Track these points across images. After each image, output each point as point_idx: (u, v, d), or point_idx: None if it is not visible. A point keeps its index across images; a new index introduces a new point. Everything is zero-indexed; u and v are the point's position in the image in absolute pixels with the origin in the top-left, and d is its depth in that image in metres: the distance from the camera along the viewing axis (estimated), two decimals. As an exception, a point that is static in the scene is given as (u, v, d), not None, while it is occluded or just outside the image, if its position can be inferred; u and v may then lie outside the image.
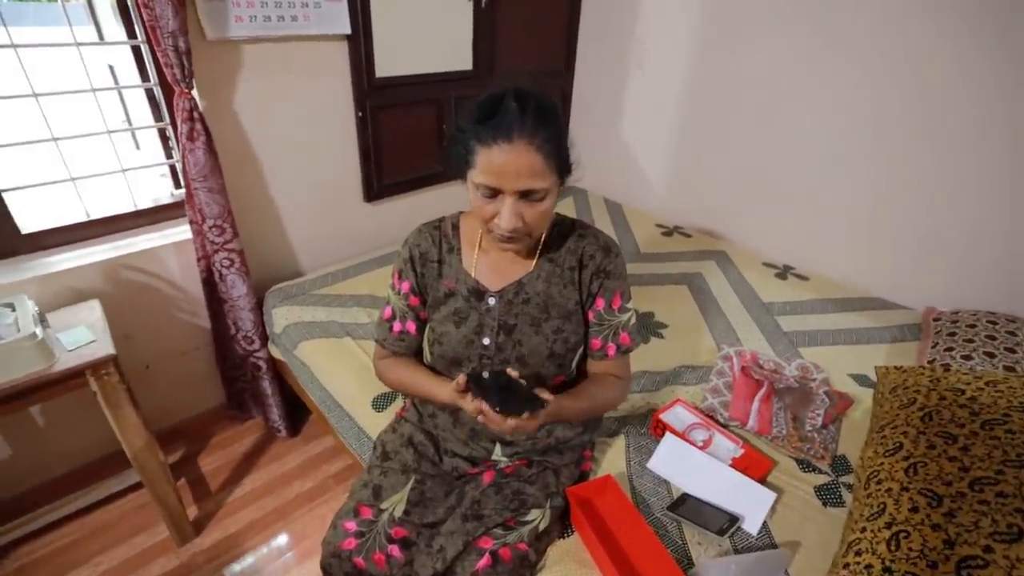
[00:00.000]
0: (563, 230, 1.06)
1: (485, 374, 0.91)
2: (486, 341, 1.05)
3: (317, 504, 1.79)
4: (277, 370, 1.86)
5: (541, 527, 1.03)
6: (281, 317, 1.72)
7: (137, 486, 1.72)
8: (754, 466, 1.21)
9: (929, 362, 1.50)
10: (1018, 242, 1.63)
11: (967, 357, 1.42)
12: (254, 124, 1.72)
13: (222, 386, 1.95)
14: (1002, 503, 0.82)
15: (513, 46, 2.29)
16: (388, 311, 1.13)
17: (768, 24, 1.94)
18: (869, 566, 0.85)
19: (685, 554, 1.06)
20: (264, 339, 1.81)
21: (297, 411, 2.00)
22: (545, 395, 0.90)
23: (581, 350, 1.10)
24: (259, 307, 1.81)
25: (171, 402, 1.92)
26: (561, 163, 0.89)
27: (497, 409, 0.86)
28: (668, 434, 1.26)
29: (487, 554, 0.97)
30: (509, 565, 0.97)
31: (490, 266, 1.06)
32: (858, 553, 0.88)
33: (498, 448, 1.15)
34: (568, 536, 1.10)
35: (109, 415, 1.36)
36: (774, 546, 1.07)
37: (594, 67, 2.57)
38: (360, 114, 1.94)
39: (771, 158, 2.09)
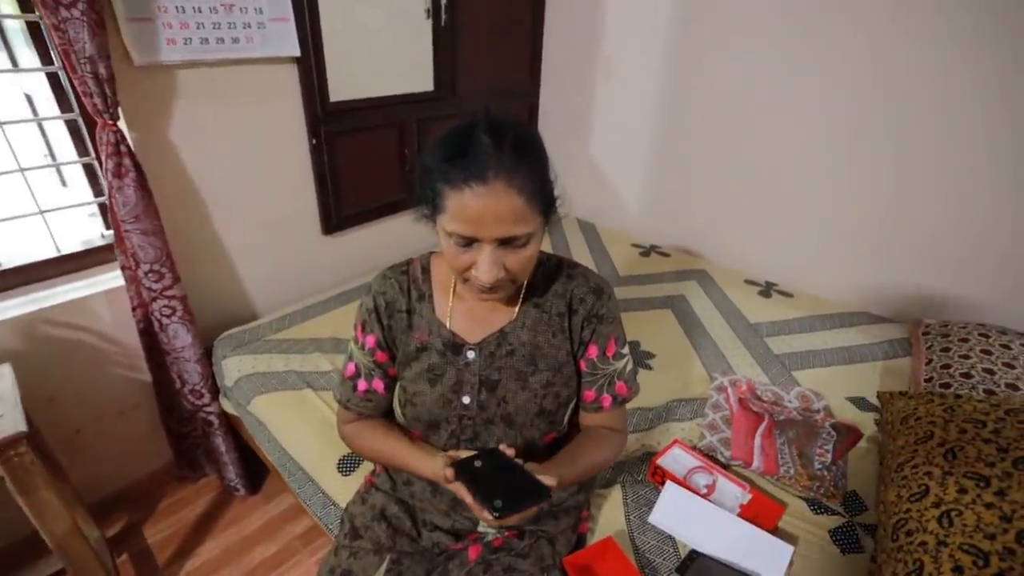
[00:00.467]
0: (549, 271, 0.94)
1: (477, 463, 0.78)
2: (466, 400, 0.92)
3: (284, 571, 1.60)
4: (231, 424, 1.68)
5: (537, 610, 0.90)
6: (233, 368, 1.54)
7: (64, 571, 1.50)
8: (765, 513, 1.11)
9: (927, 380, 1.44)
10: (1004, 249, 1.60)
11: (967, 375, 1.37)
12: (194, 157, 1.55)
13: (169, 444, 1.75)
14: (1056, 560, 0.73)
15: (476, 63, 2.19)
16: (351, 368, 0.98)
17: (741, 34, 1.89)
18: (914, 639, 0.74)
19: (701, 626, 0.94)
20: (215, 392, 1.63)
21: (256, 466, 1.81)
22: (548, 480, 0.77)
23: (573, 403, 0.98)
24: (208, 357, 1.63)
25: (109, 467, 1.70)
26: (545, 201, 0.77)
27: (496, 516, 0.71)
28: (669, 483, 1.15)
29: (479, 647, 0.83)
30: (503, 657, 0.84)
31: (467, 314, 0.93)
32: (898, 622, 0.78)
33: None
34: (568, 614, 0.96)
35: (22, 502, 1.15)
36: (797, 609, 0.96)
37: (560, 82, 2.49)
38: (314, 141, 1.79)
39: (748, 171, 2.04)
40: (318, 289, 1.97)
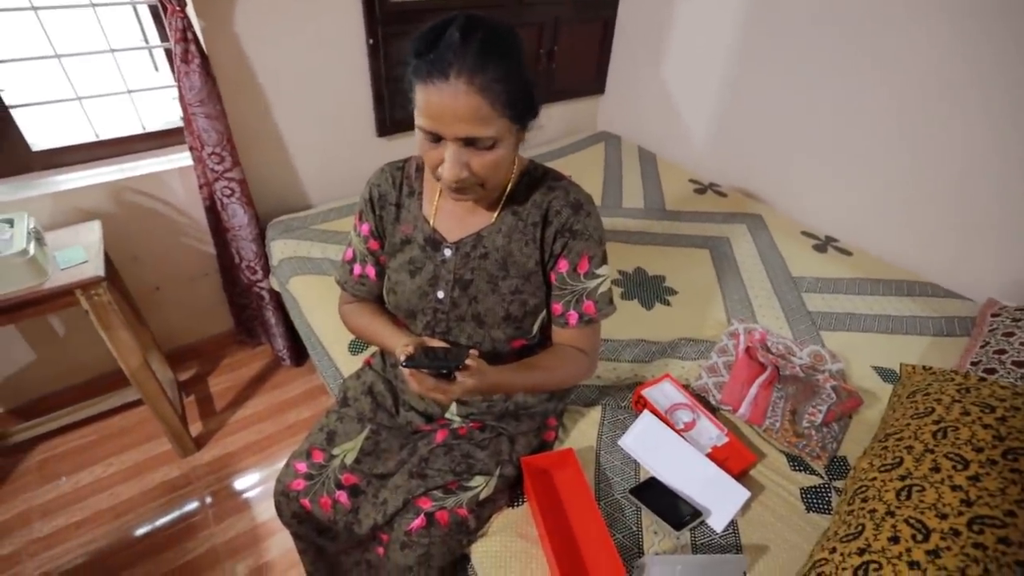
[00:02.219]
0: (533, 180, 0.94)
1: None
2: (440, 295, 0.97)
3: (312, 434, 1.84)
4: (280, 301, 1.88)
5: (483, 495, 0.98)
6: (278, 250, 1.71)
7: (147, 399, 1.82)
8: (735, 458, 1.10)
9: (973, 363, 1.30)
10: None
11: (1020, 364, 1.22)
12: (256, 48, 1.64)
13: (231, 312, 2.00)
14: (1003, 551, 0.69)
15: (549, -32, 2.05)
16: (349, 252, 1.07)
17: None
18: (829, 592, 0.75)
19: (637, 542, 0.99)
20: (266, 270, 1.81)
21: (300, 342, 2.02)
22: (470, 357, 0.81)
23: (544, 314, 1.00)
24: (262, 237, 1.81)
25: (183, 324, 1.99)
26: (516, 106, 0.76)
27: (405, 365, 0.78)
28: (646, 411, 1.17)
29: (422, 515, 0.94)
30: (444, 528, 0.94)
31: (450, 214, 0.96)
32: (819, 575, 0.78)
33: (453, 406, 1.09)
34: (518, 506, 1.05)
35: (103, 334, 1.40)
36: (738, 548, 0.98)
37: (642, -6, 2.28)
38: (372, 42, 1.81)
39: (824, 116, 1.82)
40: (368, 190, 2.07)
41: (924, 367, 1.14)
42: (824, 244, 1.85)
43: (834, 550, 0.81)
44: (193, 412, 1.88)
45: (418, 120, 0.76)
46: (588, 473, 1.10)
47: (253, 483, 1.67)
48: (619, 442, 1.16)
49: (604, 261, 0.96)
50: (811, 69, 1.81)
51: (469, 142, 0.75)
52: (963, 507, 0.75)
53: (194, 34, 1.43)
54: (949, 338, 1.48)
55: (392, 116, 1.99)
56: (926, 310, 1.57)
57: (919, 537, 0.74)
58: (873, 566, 0.73)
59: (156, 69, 2.12)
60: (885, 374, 1.35)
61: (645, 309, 1.53)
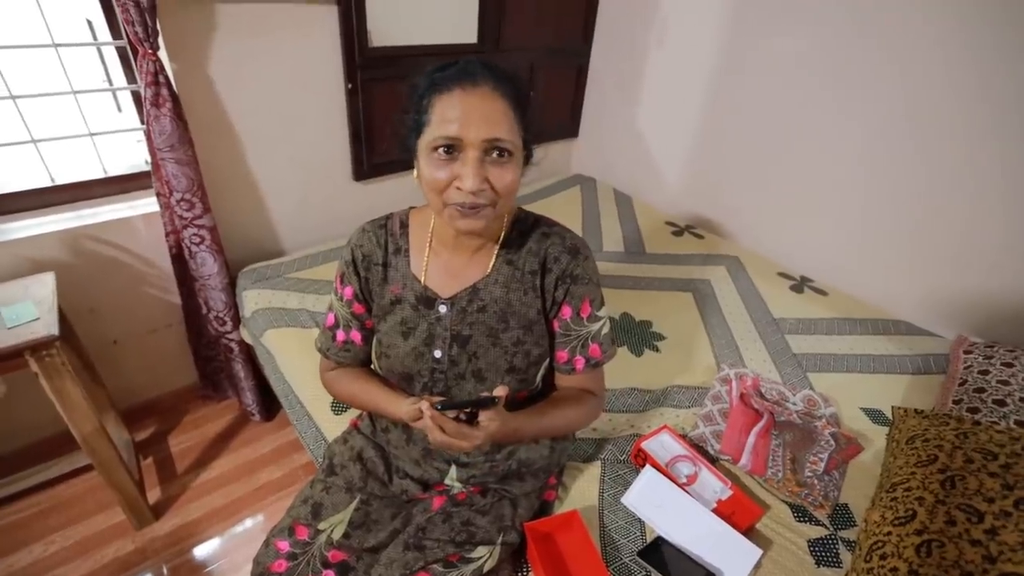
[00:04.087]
0: (525, 227, 0.92)
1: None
2: (438, 354, 0.93)
3: (285, 495, 1.71)
4: (251, 353, 1.77)
5: (487, 567, 0.92)
6: (251, 300, 1.62)
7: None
8: (741, 512, 1.08)
9: (955, 402, 1.33)
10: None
11: (1000, 403, 1.25)
12: (230, 91, 1.59)
13: (195, 365, 1.87)
14: (1031, 609, 0.67)
15: (524, 17, 2.11)
16: (331, 318, 1.01)
17: (803, 7, 1.73)
18: (859, 662, 0.71)
19: (650, 611, 0.94)
20: (236, 321, 1.72)
21: (271, 395, 1.91)
22: (497, 390, 0.78)
23: (547, 363, 0.97)
24: (233, 287, 1.71)
25: (142, 378, 1.85)
26: (527, 126, 0.79)
27: (439, 408, 0.76)
28: (648, 467, 1.13)
29: (422, 591, 0.87)
30: (446, 606, 0.87)
31: (441, 269, 0.92)
32: (848, 643, 0.75)
33: (453, 471, 1.03)
34: (522, 575, 0.99)
35: (53, 398, 1.27)
36: (753, 610, 0.94)
37: (614, 43, 2.36)
38: (350, 86, 1.80)
39: (796, 159, 1.90)
40: (344, 234, 2.01)
41: (916, 410, 1.15)
42: (800, 284, 1.89)
43: (860, 614, 0.78)
44: (151, 476, 1.73)
45: (436, 132, 0.74)
46: (593, 535, 1.05)
47: (220, 553, 1.53)
48: (622, 500, 1.11)
49: (603, 303, 0.96)
50: (781, 112, 1.90)
51: (489, 151, 0.75)
52: (987, 564, 0.74)
53: (166, 77, 1.38)
54: (926, 376, 1.52)
55: (370, 160, 1.96)
56: (902, 348, 1.61)
57: (948, 599, 0.72)
58: (906, 633, 0.71)
59: (119, 110, 2.04)
60: (874, 415, 1.36)
61: (635, 356, 1.51)
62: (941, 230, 1.64)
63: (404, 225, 0.95)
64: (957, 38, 1.48)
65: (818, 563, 1.02)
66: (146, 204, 1.61)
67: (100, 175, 1.60)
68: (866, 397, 1.42)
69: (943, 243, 1.65)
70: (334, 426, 1.26)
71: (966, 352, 1.51)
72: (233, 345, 1.74)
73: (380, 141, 1.95)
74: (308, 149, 1.83)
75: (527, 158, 0.84)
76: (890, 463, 1.06)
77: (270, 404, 1.92)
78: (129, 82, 1.58)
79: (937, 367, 1.55)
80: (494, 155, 0.75)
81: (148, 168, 1.65)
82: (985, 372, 1.38)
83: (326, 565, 0.93)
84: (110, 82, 1.96)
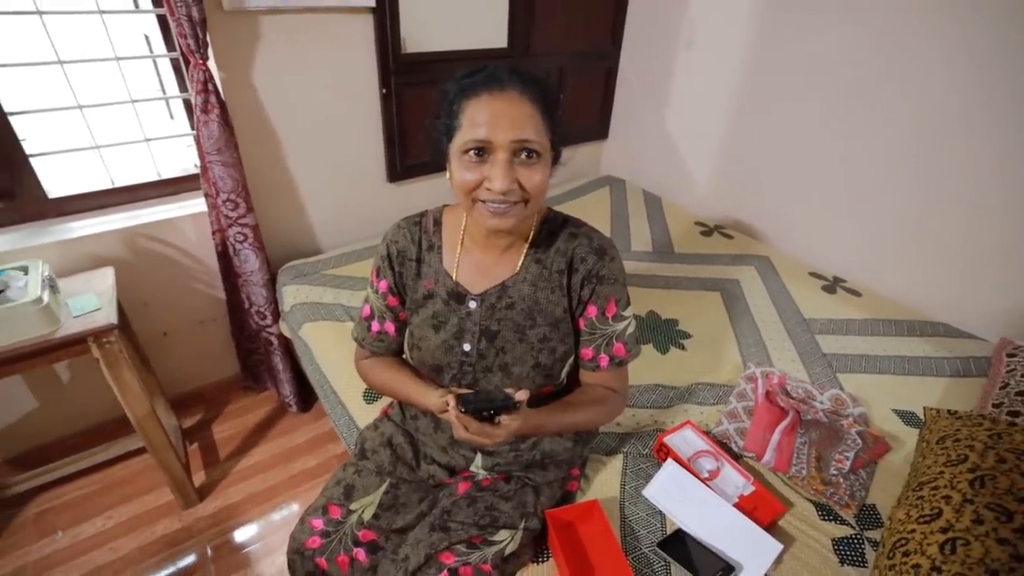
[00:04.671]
0: (553, 227, 0.96)
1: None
2: (467, 347, 0.97)
3: (319, 482, 1.78)
4: (289, 346, 1.86)
5: (508, 550, 0.95)
6: (290, 295, 1.70)
7: (149, 448, 1.77)
8: (763, 507, 1.08)
9: (995, 405, 1.29)
10: None
11: (1042, 405, 1.21)
12: (273, 98, 1.68)
13: (237, 357, 1.97)
14: (1056, 607, 0.66)
15: (553, 21, 2.14)
16: (367, 310, 1.06)
17: (831, 8, 1.71)
18: (877, 655, 0.71)
19: (668, 600, 0.95)
20: (276, 315, 1.80)
21: (308, 388, 2.00)
22: (518, 394, 0.82)
23: (572, 360, 1.00)
24: (273, 283, 1.80)
25: (189, 369, 1.96)
26: (555, 129, 0.83)
27: (462, 410, 0.80)
28: (670, 460, 1.14)
29: (445, 570, 0.91)
30: (468, 585, 0.90)
31: (473, 266, 0.96)
32: (866, 636, 0.75)
33: (478, 458, 1.07)
34: (543, 561, 1.01)
35: (111, 382, 1.37)
36: (773, 605, 0.94)
37: (642, 46, 2.38)
38: (384, 91, 1.87)
39: (827, 158, 1.87)
40: (378, 233, 2.09)
41: (949, 411, 1.13)
42: (833, 285, 1.86)
43: (879, 609, 0.78)
44: (196, 460, 1.83)
45: (466, 136, 0.79)
46: (613, 525, 1.07)
47: (257, 536, 1.61)
48: (643, 492, 1.13)
49: (629, 303, 0.98)
50: (814, 109, 1.87)
51: (518, 152, 0.78)
52: (1014, 563, 0.73)
53: (215, 85, 1.47)
54: (966, 379, 1.47)
55: (403, 163, 2.03)
56: (940, 350, 1.57)
57: (970, 595, 0.72)
58: (925, 627, 0.71)
59: (172, 117, 2.18)
60: (906, 417, 1.33)
61: (660, 353, 1.52)
62: (983, 230, 1.59)
63: (438, 223, 1.00)
64: (983, 39, 1.44)
65: (842, 562, 1.02)
66: (195, 205, 1.71)
67: (154, 178, 1.72)
68: (899, 399, 1.39)
69: (985, 244, 1.59)
70: (366, 414, 1.32)
71: (1009, 356, 1.46)
72: (273, 338, 1.83)
73: (413, 144, 2.02)
74: (345, 152, 1.92)
75: (555, 158, 0.87)
76: (919, 463, 1.04)
77: (306, 396, 2.00)
78: (181, 91, 1.69)
79: (978, 370, 1.50)
80: (523, 156, 0.79)
81: (197, 171, 1.77)
82: (1028, 375, 1.33)
83: (357, 543, 0.99)
84: (164, 92, 2.10)
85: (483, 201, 0.82)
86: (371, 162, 2.00)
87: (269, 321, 1.80)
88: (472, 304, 0.95)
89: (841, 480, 1.11)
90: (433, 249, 0.98)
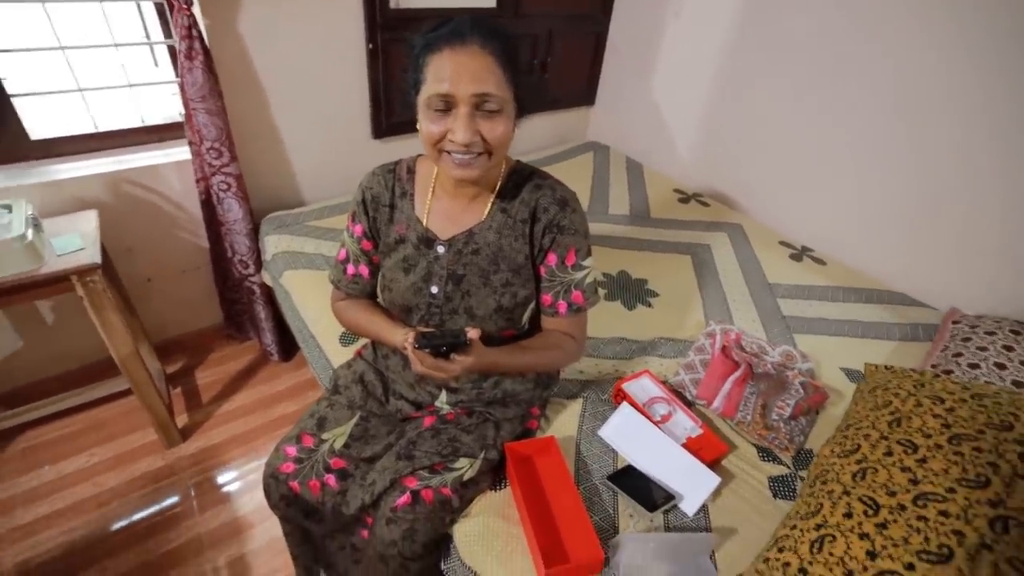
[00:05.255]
0: (520, 179, 1.00)
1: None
2: (434, 290, 1.02)
3: (299, 428, 1.86)
4: (271, 296, 1.91)
5: (467, 476, 1.03)
6: (272, 244, 1.74)
7: (133, 389, 1.82)
8: (708, 448, 1.16)
9: (933, 366, 1.38)
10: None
11: (974, 366, 1.30)
12: (259, 47, 1.69)
13: (220, 306, 2.02)
14: (941, 522, 0.75)
15: (544, -17, 2.14)
16: (343, 253, 1.11)
17: None
18: (787, 564, 0.80)
19: (613, 524, 1.04)
20: (259, 264, 1.84)
21: (290, 337, 2.05)
22: (470, 332, 0.88)
23: (533, 305, 1.06)
24: (256, 232, 1.84)
25: (173, 315, 2.00)
26: (518, 83, 0.85)
27: (416, 346, 0.85)
28: (624, 404, 1.22)
29: (408, 492, 0.98)
30: (429, 506, 0.98)
31: (443, 213, 1.01)
32: (781, 550, 0.84)
33: (443, 395, 1.14)
34: (500, 489, 1.09)
35: (96, 321, 1.42)
36: (708, 530, 1.03)
37: (631, 13, 2.38)
38: (371, 46, 1.88)
39: (804, 133, 1.91)
40: (361, 190, 2.12)
41: (886, 366, 1.21)
42: (800, 254, 1.93)
43: (795, 527, 0.86)
44: (179, 404, 1.89)
45: (430, 90, 0.82)
46: (568, 460, 1.15)
47: (238, 474, 1.69)
48: (599, 432, 1.21)
49: (589, 253, 1.03)
50: (794, 87, 1.91)
51: (479, 104, 0.82)
52: (910, 485, 0.81)
53: (199, 31, 1.48)
54: (913, 343, 1.56)
55: (388, 119, 2.04)
56: (894, 317, 1.65)
57: (870, 512, 0.80)
58: (828, 538, 0.79)
59: (156, 65, 2.16)
60: (852, 375, 1.42)
61: (627, 309, 1.59)
62: (941, 208, 1.65)
63: (411, 171, 1.05)
64: (949, 26, 1.48)
65: (775, 496, 1.11)
66: (179, 152, 1.73)
67: (138, 124, 1.73)
68: (848, 359, 1.48)
69: (942, 221, 1.66)
70: (341, 356, 1.38)
71: (955, 323, 1.55)
72: (255, 287, 1.88)
73: (398, 101, 2.04)
74: (330, 106, 1.93)
75: (521, 111, 0.90)
76: (851, 409, 1.12)
77: (288, 346, 2.06)
78: (166, 37, 1.69)
79: (925, 336, 1.59)
80: (485, 109, 0.82)
81: (181, 119, 1.78)
82: (967, 339, 1.42)
83: (328, 470, 1.06)
84: (148, 36, 2.09)
85: (448, 152, 0.86)
86: (356, 117, 2.02)
87: (252, 270, 1.84)
88: (440, 249, 1.01)
89: (782, 426, 1.20)
90: (406, 196, 1.03)
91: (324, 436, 1.10)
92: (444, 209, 1.02)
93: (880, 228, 1.82)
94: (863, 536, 0.77)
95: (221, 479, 1.67)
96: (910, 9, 1.58)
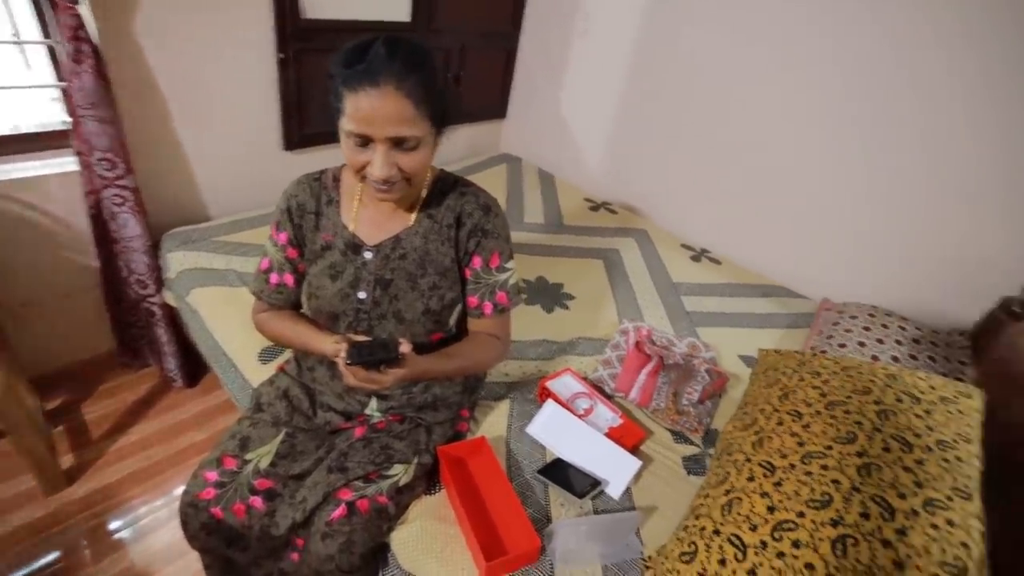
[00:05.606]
0: (445, 186, 1.04)
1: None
2: (362, 295, 1.03)
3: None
4: (173, 317, 1.78)
5: (402, 482, 1.03)
6: (176, 262, 1.63)
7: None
8: (628, 435, 1.25)
9: (812, 348, 1.58)
10: (907, 245, 1.73)
11: (842, 345, 1.51)
12: (159, 54, 1.59)
13: (113, 331, 1.84)
14: (822, 474, 0.87)
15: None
16: (265, 263, 1.09)
17: (717, 10, 1.95)
18: (703, 528, 0.89)
19: (547, 514, 1.09)
20: (159, 284, 1.71)
21: (195, 360, 1.92)
22: (403, 347, 0.89)
23: (460, 308, 1.09)
24: (156, 250, 1.71)
25: (53, 345, 1.80)
26: (435, 111, 0.86)
27: (349, 362, 0.85)
28: (549, 401, 1.28)
29: (343, 504, 0.97)
30: (365, 516, 0.97)
31: (369, 220, 1.03)
32: (697, 516, 0.93)
33: (373, 402, 1.13)
34: (435, 493, 1.11)
35: (-39, 352, 1.25)
36: (632, 510, 1.11)
37: (541, 30, 2.52)
38: (282, 56, 1.83)
39: (701, 144, 2.13)
40: (272, 202, 2.03)
41: (775, 350, 1.37)
42: (699, 255, 2.13)
43: (707, 495, 0.96)
44: (63, 444, 1.69)
45: (348, 126, 0.83)
46: (500, 459, 1.19)
47: (140, 513, 1.54)
48: (527, 429, 1.26)
49: (511, 256, 1.08)
50: (689, 102, 2.11)
51: (397, 143, 0.84)
52: (798, 447, 0.94)
53: (87, 33, 1.37)
54: (796, 330, 1.77)
55: (300, 131, 2.00)
56: (779, 308, 1.87)
57: (768, 474, 0.91)
58: (735, 500, 0.89)
59: (29, 67, 1.94)
60: (748, 361, 1.59)
61: (546, 312, 1.67)
62: (813, 211, 1.91)
63: (336, 179, 1.05)
64: (825, 41, 1.73)
65: (689, 473, 1.22)
66: (62, 163, 1.58)
67: (11, 131, 1.56)
68: (744, 347, 1.65)
69: (814, 221, 1.91)
70: (261, 374, 1.32)
71: (826, 310, 1.78)
72: (155, 309, 1.74)
73: (312, 112, 2.00)
74: (238, 117, 1.85)
75: (440, 129, 0.92)
76: (748, 389, 1.26)
77: (193, 370, 1.92)
78: (46, 37, 1.54)
79: (805, 323, 1.81)
80: (403, 147, 0.85)
81: (64, 127, 1.63)
82: (836, 324, 1.64)
83: (253, 492, 1.01)
84: (18, 37, 1.88)
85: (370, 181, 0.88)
86: (267, 128, 1.95)
87: (152, 290, 1.71)
88: (368, 255, 1.01)
89: (691, 410, 1.31)
90: (332, 203, 1.03)
91: (248, 456, 1.05)
92: (371, 216, 1.03)
93: (764, 230, 2.06)
94: (763, 495, 0.88)
95: (119, 522, 1.52)
96: (797, 22, 1.79)
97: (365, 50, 0.81)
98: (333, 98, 0.85)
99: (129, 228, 1.61)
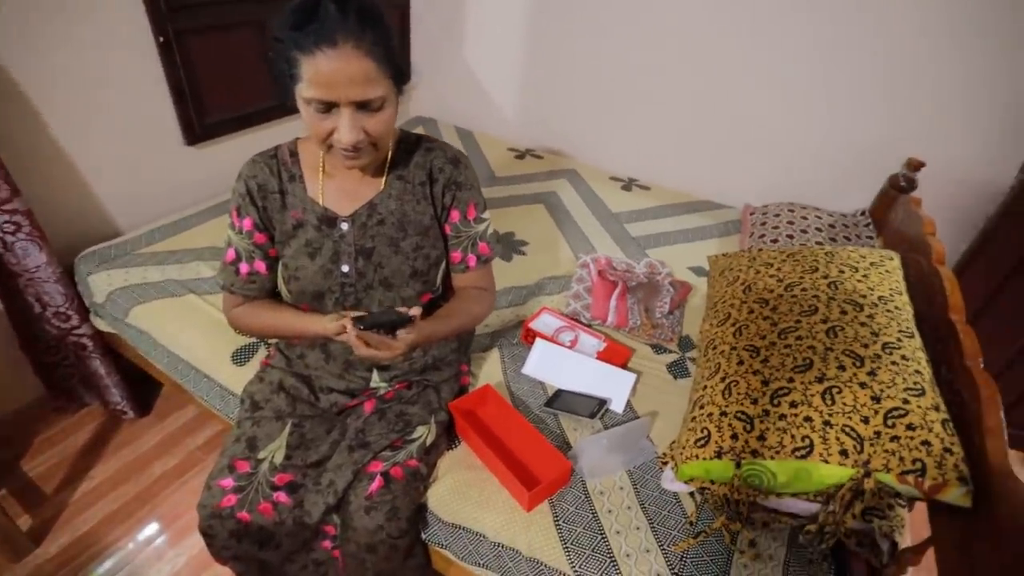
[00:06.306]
0: (409, 146, 1.03)
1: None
2: (345, 268, 1.01)
3: (187, 478, 1.64)
4: (109, 345, 1.62)
5: (428, 441, 1.06)
6: (102, 284, 1.48)
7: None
8: (616, 355, 1.34)
9: (748, 249, 1.75)
10: (809, 143, 1.94)
11: (774, 240, 1.69)
12: (17, 54, 1.37)
13: (37, 375, 1.65)
14: (799, 343, 1.00)
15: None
16: (231, 254, 1.02)
17: None
18: (710, 414, 1.00)
19: (564, 441, 1.16)
20: (84, 313, 1.55)
21: (143, 387, 1.77)
22: (412, 310, 0.90)
23: (444, 265, 1.10)
24: (70, 276, 1.53)
25: (-32, 404, 1.59)
26: (395, 68, 0.83)
27: (361, 327, 0.85)
28: (539, 339, 1.34)
29: (378, 476, 0.98)
30: (402, 482, 0.99)
31: (338, 190, 0.99)
32: (701, 407, 1.04)
33: (375, 375, 1.13)
34: (456, 447, 1.14)
35: None
36: (637, 418, 1.21)
37: (431, -16, 2.43)
38: (162, 39, 1.64)
39: (612, 75, 2.19)
40: (187, 203, 1.87)
41: (723, 254, 1.51)
42: (629, 184, 2.24)
43: (705, 387, 1.07)
44: (13, 507, 1.53)
45: (308, 92, 0.79)
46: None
47: (131, 551, 1.45)
48: (523, 371, 1.31)
49: (485, 206, 1.10)
50: (596, 35, 2.14)
51: (361, 105, 0.81)
52: (772, 327, 1.07)
53: (-75, 37, 1.16)
54: (728, 237, 1.95)
55: (201, 121, 1.82)
56: (709, 220, 2.03)
57: (754, 355, 1.03)
58: (732, 384, 1.01)
59: None
60: (697, 270, 1.73)
61: (507, 262, 1.71)
62: (729, 127, 2.05)
63: (294, 154, 1.00)
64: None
65: (675, 377, 1.34)
66: (-74, 196, 1.35)
67: None
68: (689, 259, 1.79)
69: (733, 137, 2.07)
70: (239, 376, 1.26)
71: (751, 214, 1.96)
72: (85, 340, 1.57)
73: (213, 100, 1.82)
74: (126, 115, 1.65)
75: (401, 89, 0.88)
76: (712, 292, 1.39)
77: (143, 397, 1.78)
78: None
79: (734, 230, 1.98)
80: (368, 109, 0.81)
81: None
82: (763, 223, 1.82)
83: (275, 488, 0.99)
84: None
85: (337, 148, 0.85)
86: (161, 124, 1.75)
87: (76, 321, 1.54)
88: (344, 226, 0.99)
89: (664, 322, 1.43)
90: (295, 179, 0.99)
91: (260, 456, 1.02)
92: (339, 186, 1.00)
93: (683, 151, 2.20)
94: (755, 372, 1.00)
95: (108, 565, 1.42)
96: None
97: (313, 9, 0.76)
98: (285, 65, 0.80)
99: (31, 257, 1.42)
